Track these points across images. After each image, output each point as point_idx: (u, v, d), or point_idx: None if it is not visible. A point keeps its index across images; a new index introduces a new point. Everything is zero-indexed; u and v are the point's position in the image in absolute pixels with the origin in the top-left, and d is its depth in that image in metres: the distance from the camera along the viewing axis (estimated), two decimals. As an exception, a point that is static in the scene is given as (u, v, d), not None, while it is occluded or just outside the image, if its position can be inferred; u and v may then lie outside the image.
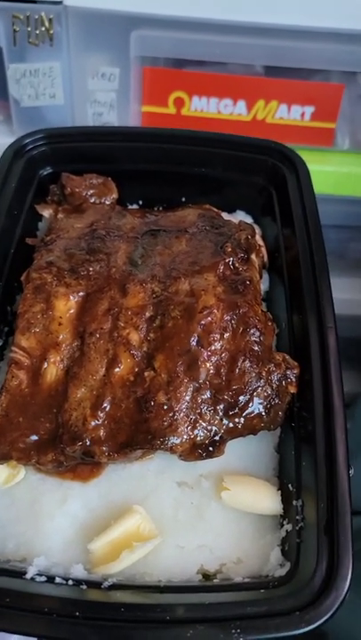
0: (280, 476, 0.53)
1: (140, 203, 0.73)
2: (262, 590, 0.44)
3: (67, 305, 0.55)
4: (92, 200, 0.65)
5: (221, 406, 0.51)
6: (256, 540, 0.50)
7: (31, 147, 0.67)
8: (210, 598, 0.44)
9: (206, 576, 0.49)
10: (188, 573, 0.48)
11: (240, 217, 0.71)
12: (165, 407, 0.50)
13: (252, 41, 0.73)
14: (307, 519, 0.47)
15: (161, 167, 0.70)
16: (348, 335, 0.63)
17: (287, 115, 0.80)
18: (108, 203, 0.66)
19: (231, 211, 0.72)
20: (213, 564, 0.48)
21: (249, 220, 0.72)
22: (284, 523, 0.49)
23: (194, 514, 0.51)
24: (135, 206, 0.73)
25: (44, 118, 0.82)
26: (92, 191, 0.65)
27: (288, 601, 0.42)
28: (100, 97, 0.79)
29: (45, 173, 0.69)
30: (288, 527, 0.49)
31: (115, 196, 0.66)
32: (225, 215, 0.68)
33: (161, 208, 0.73)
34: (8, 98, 0.80)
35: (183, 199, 0.72)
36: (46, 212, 0.65)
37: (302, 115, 0.80)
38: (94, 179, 0.65)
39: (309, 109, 0.79)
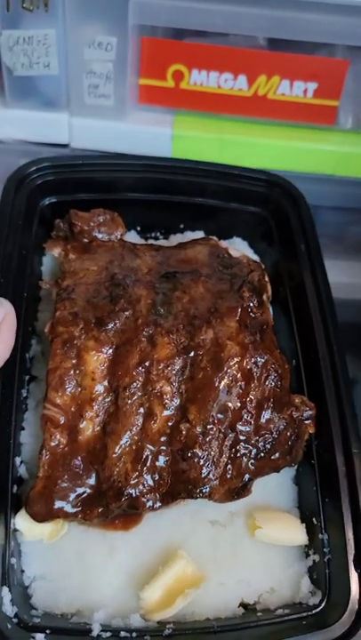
0: (300, 507, 0.59)
1: (138, 229, 0.73)
2: (304, 622, 0.50)
3: (98, 359, 0.55)
4: (101, 237, 0.65)
5: (251, 452, 0.55)
6: (285, 569, 0.55)
7: (33, 177, 0.65)
8: (261, 633, 0.49)
9: (245, 607, 0.54)
10: (231, 608, 0.53)
11: (237, 243, 0.74)
12: (203, 459, 0.53)
13: (255, 11, 0.70)
14: (334, 552, 0.53)
15: (161, 197, 0.70)
16: (346, 320, 0.65)
17: (289, 91, 0.77)
18: (116, 238, 0.65)
19: (228, 237, 0.74)
20: (252, 596, 0.54)
21: (245, 245, 0.74)
22: (310, 553, 0.55)
23: (229, 551, 0.55)
24: (133, 232, 0.73)
25: (37, 89, 0.77)
26: (101, 228, 0.64)
27: (330, 632, 0.48)
28: (96, 67, 0.74)
29: (47, 204, 0.67)
30: (315, 557, 0.54)
31: (122, 231, 0.66)
32: (223, 242, 0.70)
33: (160, 234, 0.74)
34: (0, 66, 0.74)
35: (181, 225, 0.73)
36: (55, 252, 0.63)
37: (305, 91, 0.78)
38: (102, 214, 0.65)
39: (312, 86, 0.77)
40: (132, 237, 0.72)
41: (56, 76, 0.75)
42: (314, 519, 0.56)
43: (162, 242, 0.72)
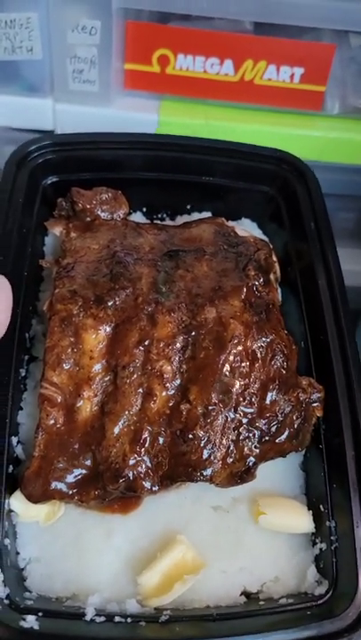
0: (308, 493, 0.56)
1: (144, 210, 0.71)
2: (308, 612, 0.48)
3: (96, 338, 0.54)
4: (103, 215, 0.63)
5: (255, 434, 0.53)
6: (290, 557, 0.53)
7: (34, 155, 0.64)
8: (263, 622, 0.47)
9: (248, 595, 0.52)
10: (233, 596, 0.51)
11: (246, 224, 0.71)
12: (203, 441, 0.51)
13: (242, -6, 0.69)
14: (341, 540, 0.51)
15: (167, 176, 0.68)
16: None
17: (276, 76, 0.76)
18: (119, 217, 0.64)
19: (236, 218, 0.71)
20: (255, 584, 0.52)
21: (254, 226, 0.72)
22: (317, 541, 0.53)
23: (232, 538, 0.53)
24: (139, 213, 0.71)
25: (20, 74, 0.76)
26: (103, 207, 0.63)
27: (336, 622, 0.46)
28: (80, 52, 0.73)
29: (49, 183, 0.66)
30: (322, 546, 0.52)
31: (125, 210, 0.64)
32: (232, 223, 0.68)
33: (166, 215, 0.72)
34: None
35: (188, 206, 0.71)
36: (57, 230, 0.62)
37: (291, 76, 0.77)
38: (105, 193, 0.63)
39: (299, 71, 0.76)
40: (138, 219, 0.71)
41: (39, 61, 0.74)
42: (321, 506, 0.53)
43: (168, 223, 0.70)
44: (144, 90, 0.78)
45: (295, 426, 0.55)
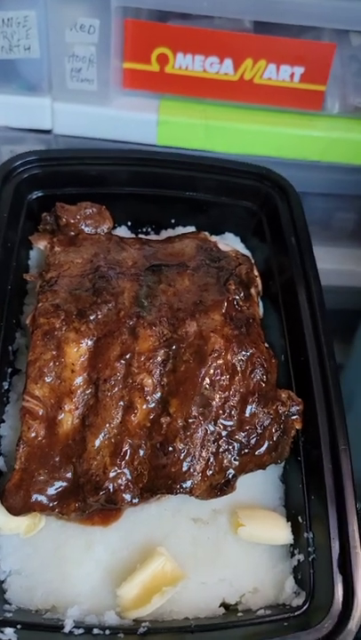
0: (287, 505, 0.57)
1: (129, 224, 0.72)
2: (285, 623, 0.48)
3: (78, 351, 0.54)
4: (87, 230, 0.64)
5: (235, 447, 0.54)
6: (269, 569, 0.54)
7: (19, 170, 0.65)
8: (241, 634, 0.47)
9: (227, 607, 0.52)
10: (212, 608, 0.51)
11: (229, 239, 0.73)
12: (183, 453, 0.52)
13: (241, -7, 0.68)
14: (319, 551, 0.51)
15: (152, 191, 0.69)
16: (331, 307, 0.64)
17: (276, 75, 0.76)
18: (103, 232, 0.65)
19: (220, 232, 0.73)
20: (234, 596, 0.52)
21: (237, 241, 0.73)
22: (295, 552, 0.53)
23: (211, 549, 0.54)
24: (124, 227, 0.72)
25: (18, 73, 0.75)
26: (87, 221, 0.64)
27: (311, 634, 0.46)
28: (78, 51, 0.72)
29: (34, 197, 0.67)
30: (300, 557, 0.53)
31: (109, 224, 0.65)
32: (215, 237, 0.69)
33: (151, 229, 0.73)
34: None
35: (172, 220, 0.72)
36: (41, 245, 0.63)
37: (291, 75, 0.76)
38: (89, 208, 0.64)
39: (299, 70, 0.76)
40: (123, 233, 0.72)
41: (37, 60, 0.73)
42: (299, 517, 0.54)
43: (152, 237, 0.71)
44: (143, 89, 0.78)
45: (274, 438, 0.56)
